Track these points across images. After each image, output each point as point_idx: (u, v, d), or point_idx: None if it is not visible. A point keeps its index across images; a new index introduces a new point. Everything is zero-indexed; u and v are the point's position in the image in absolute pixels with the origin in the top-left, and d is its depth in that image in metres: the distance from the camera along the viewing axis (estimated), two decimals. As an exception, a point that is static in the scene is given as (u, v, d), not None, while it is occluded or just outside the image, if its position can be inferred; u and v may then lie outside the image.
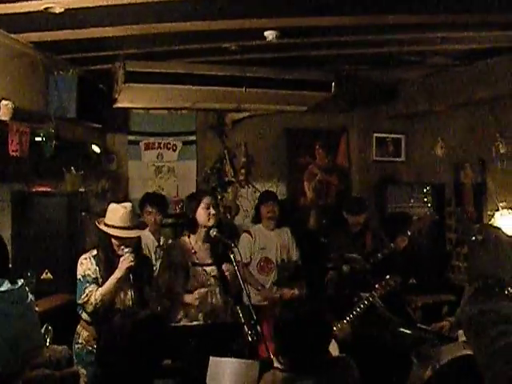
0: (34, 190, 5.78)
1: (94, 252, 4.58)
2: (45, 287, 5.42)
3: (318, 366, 3.34)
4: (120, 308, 4.42)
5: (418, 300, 7.24)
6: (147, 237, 6.48)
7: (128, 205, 4.61)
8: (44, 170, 5.86)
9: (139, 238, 4.72)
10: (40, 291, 5.09)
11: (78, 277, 4.50)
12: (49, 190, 5.91)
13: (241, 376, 3.75)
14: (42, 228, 5.73)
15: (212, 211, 4.96)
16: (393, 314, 5.72)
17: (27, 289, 3.50)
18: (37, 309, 3.74)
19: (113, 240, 4.51)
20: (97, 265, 4.51)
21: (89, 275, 4.47)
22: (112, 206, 4.62)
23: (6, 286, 3.28)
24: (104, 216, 4.61)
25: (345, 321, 5.49)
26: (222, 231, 5.03)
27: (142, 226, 4.85)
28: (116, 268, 4.43)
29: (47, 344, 3.85)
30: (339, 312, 5.61)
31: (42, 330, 3.84)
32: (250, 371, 3.76)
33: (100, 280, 4.47)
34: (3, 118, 4.93)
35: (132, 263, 4.40)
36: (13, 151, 5.04)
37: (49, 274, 5.58)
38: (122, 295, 4.50)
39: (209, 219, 4.96)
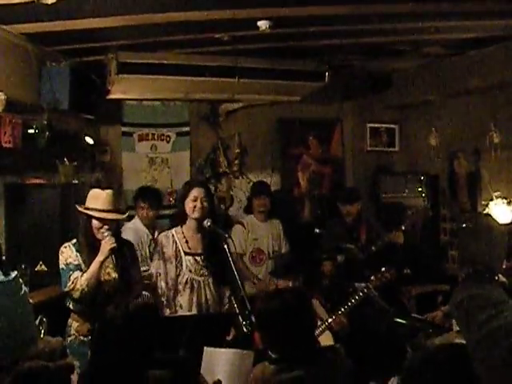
0: (27, 181, 5.77)
1: (74, 241, 4.56)
2: (39, 279, 5.42)
3: (307, 357, 3.34)
4: (106, 290, 4.42)
5: (413, 290, 7.25)
6: (141, 230, 6.53)
7: (109, 190, 4.61)
8: (37, 162, 5.85)
9: (118, 222, 4.71)
10: (34, 283, 5.09)
11: (61, 266, 4.47)
12: (42, 181, 5.89)
13: (235, 366, 3.75)
14: (36, 220, 5.73)
15: (198, 204, 4.93)
16: (387, 304, 5.73)
17: (21, 281, 3.51)
18: (31, 301, 3.74)
19: (93, 224, 4.49)
20: (77, 251, 4.49)
21: (71, 263, 4.45)
22: (93, 190, 4.61)
23: (0, 277, 3.29)
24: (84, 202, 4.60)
25: (339, 312, 5.49)
26: (216, 222, 5.01)
27: (122, 211, 4.82)
28: (98, 252, 4.42)
29: (41, 336, 3.85)
30: (334, 303, 5.62)
31: (37, 322, 3.84)
32: (244, 361, 3.77)
33: (82, 266, 4.45)
34: (-5, 110, 4.92)
35: (114, 245, 4.39)
36: (5, 143, 5.03)
37: (43, 266, 5.57)
38: (106, 278, 4.49)
39: (193, 211, 4.95)
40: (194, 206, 4.94)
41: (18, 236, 5.63)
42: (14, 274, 3.41)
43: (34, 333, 3.62)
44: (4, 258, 3.68)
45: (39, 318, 3.95)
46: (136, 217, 6.70)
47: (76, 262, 4.46)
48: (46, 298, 5.08)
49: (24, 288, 3.52)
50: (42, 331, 3.96)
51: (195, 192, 4.97)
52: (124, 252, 4.64)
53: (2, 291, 3.25)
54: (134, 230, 6.52)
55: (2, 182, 5.55)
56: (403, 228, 6.28)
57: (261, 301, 3.77)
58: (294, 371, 3.29)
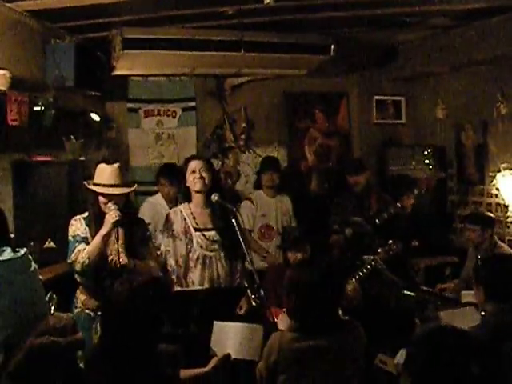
0: (34, 159, 5.77)
1: (86, 214, 4.55)
2: (48, 256, 5.43)
3: (326, 328, 3.37)
4: (111, 266, 4.40)
5: (421, 262, 7.26)
6: (160, 205, 6.61)
7: (115, 164, 4.59)
8: (44, 139, 5.83)
9: (128, 196, 4.69)
10: (43, 260, 5.10)
11: (69, 238, 4.48)
12: (49, 159, 5.89)
13: (245, 340, 3.78)
14: (44, 197, 5.73)
15: (197, 175, 4.94)
16: (396, 276, 5.74)
17: (30, 257, 3.52)
18: (40, 277, 3.76)
19: (100, 198, 4.47)
20: (87, 225, 4.49)
21: (78, 235, 4.45)
22: (99, 166, 4.59)
23: (9, 254, 3.30)
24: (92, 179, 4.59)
25: (347, 285, 5.50)
26: (223, 196, 5.01)
27: (129, 184, 4.77)
28: None
29: (52, 312, 3.87)
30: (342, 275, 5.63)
31: (46, 298, 3.86)
32: (253, 335, 3.79)
33: (90, 239, 4.43)
34: (1, 88, 4.90)
35: (117, 218, 4.33)
36: (12, 121, 5.02)
37: (51, 243, 5.59)
38: (112, 253, 4.45)
39: (194, 183, 4.96)
40: (194, 178, 4.95)
41: (25, 213, 5.63)
42: (23, 250, 3.42)
43: (45, 309, 3.64)
44: (12, 235, 3.70)
45: (49, 294, 3.96)
46: (159, 192, 6.83)
47: (83, 235, 4.46)
48: (55, 275, 5.09)
49: (34, 265, 3.53)
50: (52, 308, 3.98)
51: (193, 164, 4.99)
52: (133, 229, 4.60)
53: (11, 268, 3.27)
54: (153, 203, 6.66)
55: (9, 159, 5.55)
56: (416, 192, 6.25)
57: (294, 266, 3.79)
58: (313, 340, 3.32)
